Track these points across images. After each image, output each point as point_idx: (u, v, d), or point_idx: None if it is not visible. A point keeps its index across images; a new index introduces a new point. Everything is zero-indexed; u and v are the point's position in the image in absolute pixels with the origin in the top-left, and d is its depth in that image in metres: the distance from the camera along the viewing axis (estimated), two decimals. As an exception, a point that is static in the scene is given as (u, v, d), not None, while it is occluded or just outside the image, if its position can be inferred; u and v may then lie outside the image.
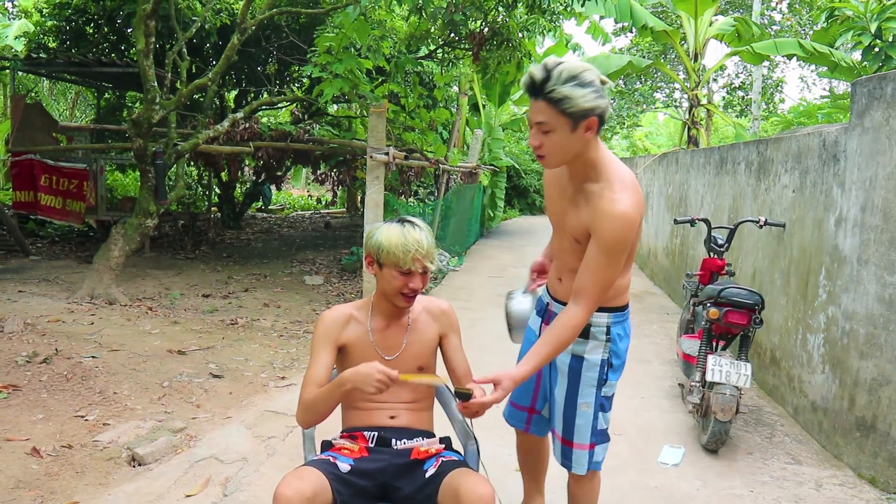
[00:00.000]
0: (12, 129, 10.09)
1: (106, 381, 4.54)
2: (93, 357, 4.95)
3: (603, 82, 2.10)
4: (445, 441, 2.47)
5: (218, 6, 10.33)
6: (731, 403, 3.76)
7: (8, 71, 11.04)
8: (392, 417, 2.48)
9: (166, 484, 3.30)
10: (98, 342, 5.34)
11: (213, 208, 14.89)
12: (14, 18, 15.38)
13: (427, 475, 2.25)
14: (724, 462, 3.82)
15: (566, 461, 2.50)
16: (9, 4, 17.26)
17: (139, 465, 3.50)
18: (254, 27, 7.14)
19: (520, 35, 7.96)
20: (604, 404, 2.44)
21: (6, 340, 5.17)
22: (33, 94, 16.54)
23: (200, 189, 15.11)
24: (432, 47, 9.86)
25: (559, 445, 2.52)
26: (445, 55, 9.86)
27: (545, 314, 2.57)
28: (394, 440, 2.38)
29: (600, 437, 2.47)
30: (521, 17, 7.94)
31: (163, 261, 9.94)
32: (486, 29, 7.97)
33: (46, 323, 5.71)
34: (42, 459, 3.46)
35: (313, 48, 7.40)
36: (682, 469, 3.71)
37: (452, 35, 8.76)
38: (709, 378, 3.85)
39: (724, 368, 3.85)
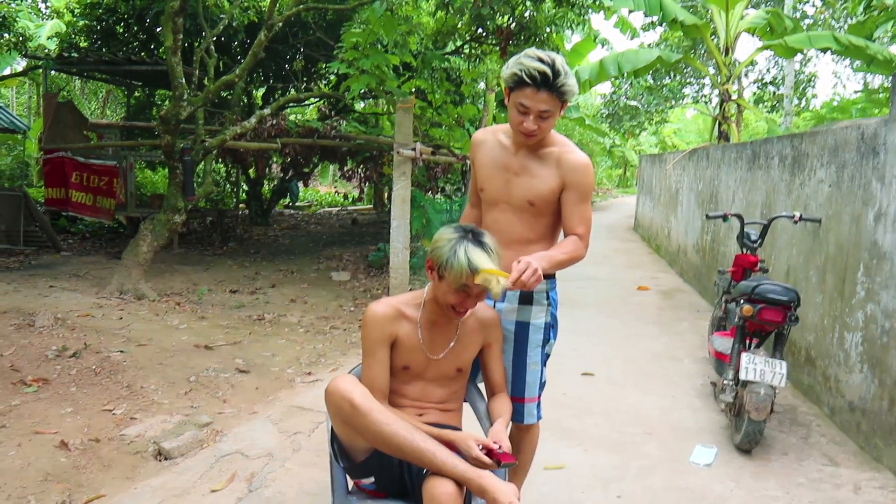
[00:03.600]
0: (44, 128, 10.24)
1: (134, 376, 4.56)
2: (121, 352, 4.98)
3: None
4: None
5: (245, 4, 10.38)
6: (766, 402, 3.65)
7: (41, 70, 11.20)
8: (420, 415, 2.46)
9: (192, 478, 3.29)
10: (126, 337, 5.38)
11: (241, 205, 15.00)
12: (47, 19, 15.63)
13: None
14: (758, 463, 3.72)
15: (518, 416, 2.69)
16: (42, 5, 17.55)
17: (165, 459, 3.50)
18: (281, 24, 7.15)
19: (547, 30, 7.86)
20: (545, 360, 2.74)
21: (37, 335, 5.22)
22: (65, 93, 16.80)
23: (229, 186, 15.23)
24: (459, 43, 9.78)
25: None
26: (472, 51, 9.78)
27: None
28: None
29: (542, 388, 2.75)
30: (548, 12, 7.84)
31: (191, 257, 10.02)
32: (514, 24, 7.88)
33: (76, 318, 5.76)
34: (70, 452, 3.47)
35: (340, 44, 7.39)
36: (715, 469, 3.62)
37: (479, 30, 8.69)
38: (742, 376, 3.75)
39: (759, 367, 3.75)
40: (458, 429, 2.52)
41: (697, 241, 8.75)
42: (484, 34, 8.89)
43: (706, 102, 17.61)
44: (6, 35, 10.20)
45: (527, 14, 7.76)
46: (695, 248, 8.90)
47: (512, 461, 2.15)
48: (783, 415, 4.42)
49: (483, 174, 2.67)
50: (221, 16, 9.50)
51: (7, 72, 15.42)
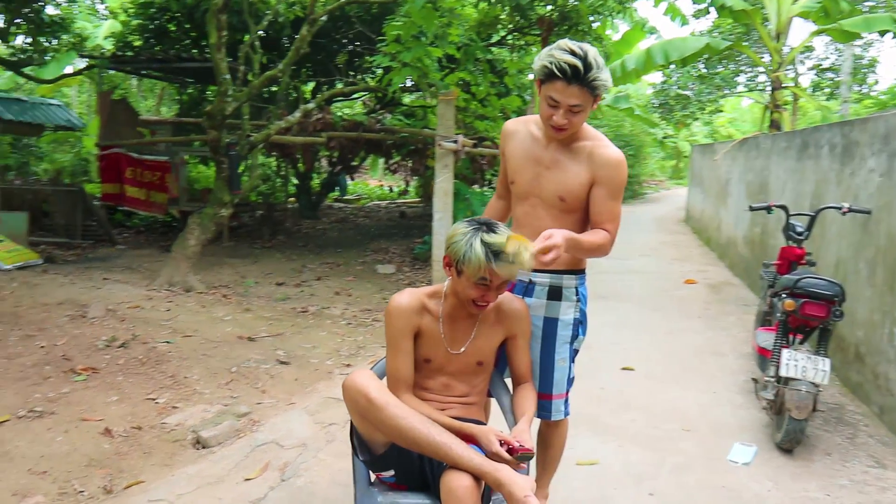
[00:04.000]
0: (100, 125, 10.58)
1: (178, 366, 4.69)
2: (167, 342, 5.12)
3: None
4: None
5: (291, 0, 10.50)
6: (807, 400, 3.54)
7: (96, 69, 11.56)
8: (442, 410, 2.47)
9: (227, 467, 3.38)
10: (173, 328, 5.53)
11: (290, 199, 15.24)
12: (104, 19, 16.11)
13: None
14: (799, 463, 3.62)
15: (545, 413, 2.68)
16: (101, 6, 18.11)
17: (203, 447, 3.59)
18: (325, 18, 7.21)
19: (590, 19, 7.73)
20: (573, 356, 2.71)
21: (89, 325, 5.42)
22: (122, 91, 17.30)
23: (279, 180, 15.48)
24: (502, 34, 9.71)
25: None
26: (516, 41, 9.69)
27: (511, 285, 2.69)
28: None
29: (570, 384, 2.72)
30: (590, 0, 7.69)
31: (240, 250, 10.23)
32: (556, 13, 7.78)
33: (126, 309, 5.94)
34: (113, 439, 3.60)
35: (381, 37, 7.42)
36: (753, 468, 3.53)
37: (522, 21, 8.61)
38: (783, 373, 3.64)
39: (800, 363, 3.63)
40: (482, 423, 2.52)
41: (747, 234, 8.53)
42: (527, 25, 8.80)
43: (761, 90, 17.08)
44: (65, 36, 10.55)
45: (569, 3, 7.64)
46: (744, 241, 8.67)
47: (530, 454, 2.15)
48: (829, 413, 4.28)
49: (513, 166, 2.62)
50: (267, 12, 9.63)
51: (69, 70, 15.98)
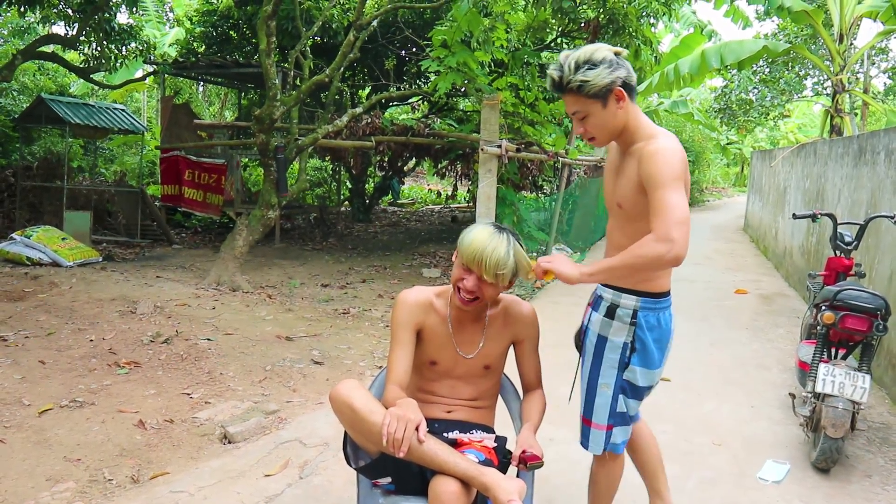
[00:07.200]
0: (162, 128, 10.96)
1: (215, 363, 4.81)
2: (208, 339, 5.27)
3: (617, 54, 2.22)
4: (501, 441, 2.39)
5: (346, 5, 10.68)
6: (844, 419, 3.39)
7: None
8: (448, 412, 2.46)
9: (249, 462, 3.44)
10: (215, 326, 5.68)
11: (345, 202, 15.48)
12: (172, 28, 16.74)
13: None
14: (834, 484, 3.46)
15: (584, 440, 2.50)
16: (170, 14, 18.81)
17: (229, 442, 3.67)
18: (374, 25, 7.30)
19: (639, 22, 7.59)
20: (625, 388, 2.41)
21: (137, 321, 5.62)
22: (186, 97, 17.88)
23: (334, 184, 15.74)
24: (552, 37, 9.64)
25: (580, 424, 2.53)
26: (567, 45, 9.61)
27: (593, 298, 2.55)
28: (445, 432, 2.33)
29: (619, 419, 2.44)
30: (640, 4, 7.56)
31: (291, 251, 10.43)
32: (603, 16, 7.68)
33: (174, 306, 6.14)
34: (146, 431, 3.72)
35: (428, 42, 7.47)
36: (784, 487, 3.39)
37: (571, 24, 8.54)
38: (818, 389, 3.49)
39: (838, 379, 3.48)
40: (489, 427, 2.50)
41: (803, 243, 8.22)
42: (577, 28, 8.72)
43: (828, 95, 16.42)
44: (133, 44, 11.00)
45: (618, 5, 7.51)
46: (800, 250, 8.36)
47: (539, 463, 2.15)
48: (873, 433, 4.08)
49: (605, 177, 2.52)
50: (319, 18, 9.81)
51: (139, 74, 16.63)
